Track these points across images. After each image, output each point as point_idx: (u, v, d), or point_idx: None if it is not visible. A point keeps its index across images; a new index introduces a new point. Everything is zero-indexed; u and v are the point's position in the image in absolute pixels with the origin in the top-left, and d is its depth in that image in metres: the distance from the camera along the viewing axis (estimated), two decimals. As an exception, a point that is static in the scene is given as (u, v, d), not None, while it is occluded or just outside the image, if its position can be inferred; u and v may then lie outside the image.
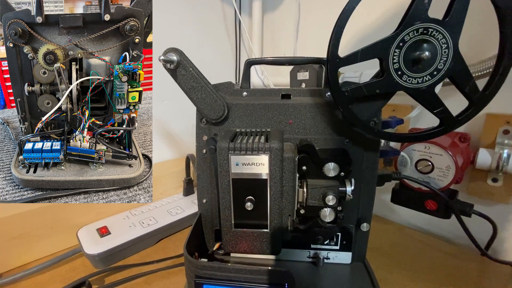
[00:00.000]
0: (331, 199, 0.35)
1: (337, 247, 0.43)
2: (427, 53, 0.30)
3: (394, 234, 0.59)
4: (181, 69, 0.35)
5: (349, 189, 0.36)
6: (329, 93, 0.37)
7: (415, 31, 0.30)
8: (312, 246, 0.43)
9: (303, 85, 0.60)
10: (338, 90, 0.33)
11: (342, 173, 0.36)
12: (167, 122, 0.73)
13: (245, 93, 0.38)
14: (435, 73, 0.31)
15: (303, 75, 0.59)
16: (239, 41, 0.84)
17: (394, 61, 0.31)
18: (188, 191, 0.66)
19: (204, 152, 0.41)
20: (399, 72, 0.31)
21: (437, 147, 0.44)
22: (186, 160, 0.63)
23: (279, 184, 0.34)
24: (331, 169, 0.36)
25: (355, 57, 0.31)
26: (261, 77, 0.83)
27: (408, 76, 0.31)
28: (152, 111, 0.69)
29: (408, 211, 0.50)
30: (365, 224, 0.41)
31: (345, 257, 0.43)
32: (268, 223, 0.36)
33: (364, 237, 0.43)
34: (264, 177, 0.34)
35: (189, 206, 0.61)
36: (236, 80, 0.85)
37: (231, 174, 0.34)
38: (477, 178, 0.50)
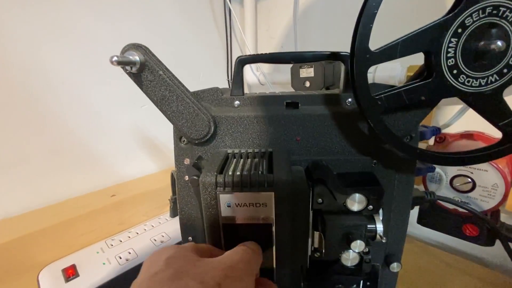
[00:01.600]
0: (358, 245, 0.26)
1: (359, 289, 0.34)
2: (499, 43, 0.20)
3: (417, 255, 0.50)
4: (147, 73, 0.26)
5: (380, 227, 0.27)
6: (350, 100, 0.27)
7: (480, 12, 0.21)
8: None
9: (307, 84, 0.51)
10: (368, 96, 0.23)
11: (370, 207, 0.27)
12: (148, 129, 0.63)
13: (237, 102, 0.29)
14: (505, 71, 0.22)
15: (307, 72, 0.50)
16: (230, 32, 0.73)
17: (449, 55, 0.22)
18: (175, 211, 0.56)
19: (187, 179, 0.31)
20: (455, 71, 0.22)
21: (480, 160, 0.35)
22: (171, 177, 0.54)
23: (288, 229, 0.25)
24: (356, 202, 0.26)
25: (392, 51, 0.22)
26: (256, 73, 0.73)
27: (467, 75, 0.22)
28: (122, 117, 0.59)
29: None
30: (395, 264, 0.32)
31: (369, 301, 0.35)
32: (275, 279, 0.27)
33: (393, 278, 0.34)
34: (267, 221, 0.24)
35: (176, 231, 0.51)
36: (228, 78, 0.75)
37: (221, 219, 0.24)
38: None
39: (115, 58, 0.22)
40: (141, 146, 0.62)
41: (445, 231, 0.40)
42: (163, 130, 0.65)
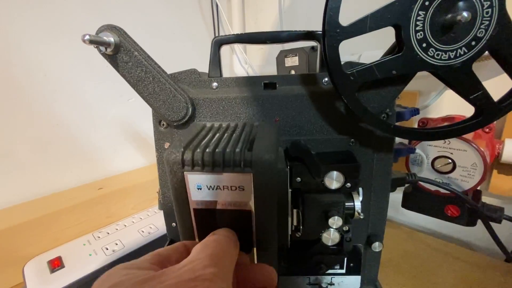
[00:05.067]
0: (336, 220, 0.26)
1: (343, 271, 0.35)
2: (464, 13, 0.21)
3: (403, 240, 0.51)
4: (122, 54, 0.26)
5: (358, 204, 0.27)
6: (327, 79, 0.28)
7: (446, -16, 0.21)
8: (312, 271, 0.34)
9: (292, 73, 0.51)
10: (341, 73, 0.23)
11: (348, 184, 0.27)
12: (135, 123, 0.62)
13: (215, 84, 0.29)
14: (473, 43, 0.22)
15: (292, 61, 0.50)
16: (218, 26, 0.73)
17: (417, 28, 0.22)
18: (164, 203, 0.56)
19: (168, 164, 0.31)
20: (424, 44, 0.22)
21: (459, 141, 0.36)
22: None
23: (270, 215, 0.22)
24: (333, 179, 0.27)
25: (362, 25, 0.22)
26: (244, 66, 0.73)
27: (436, 49, 0.22)
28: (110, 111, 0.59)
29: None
30: (377, 243, 0.32)
31: (353, 282, 0.35)
32: (255, 258, 0.27)
33: (376, 258, 0.34)
34: (245, 208, 0.21)
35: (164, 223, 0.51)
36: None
37: (191, 203, 0.21)
38: (502, 173, 0.42)
39: (87, 37, 0.22)
40: (129, 140, 0.62)
41: (428, 212, 0.40)
42: (150, 124, 0.65)
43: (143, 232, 0.48)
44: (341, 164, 0.26)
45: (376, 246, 0.32)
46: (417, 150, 0.38)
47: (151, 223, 0.51)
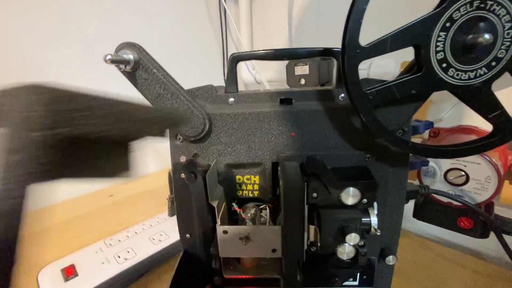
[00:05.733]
0: (353, 237, 0.26)
1: (356, 283, 0.35)
2: (486, 36, 0.21)
3: (413, 249, 0.51)
4: (141, 71, 0.26)
5: (374, 220, 0.27)
6: (343, 95, 0.28)
7: (468, 5, 0.21)
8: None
9: (302, 81, 0.51)
10: (359, 91, 0.23)
11: (365, 200, 0.27)
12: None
13: (231, 99, 0.29)
14: (493, 63, 0.22)
15: (302, 70, 0.50)
16: (225, 31, 0.73)
17: (438, 49, 0.22)
18: (173, 210, 0.56)
19: (183, 177, 0.32)
20: (444, 65, 0.22)
21: (473, 153, 0.35)
22: (169, 175, 0.54)
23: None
24: (350, 195, 0.27)
25: (382, 46, 0.22)
26: (252, 72, 0.73)
27: (456, 69, 0.22)
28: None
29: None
30: (391, 257, 0.33)
31: (366, 294, 0.35)
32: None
33: (389, 270, 0.35)
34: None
35: (175, 230, 0.51)
36: (223, 77, 0.75)
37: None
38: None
39: (108, 57, 0.22)
40: (138, 146, 0.62)
41: (440, 224, 0.40)
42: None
43: (154, 239, 0.49)
44: (359, 180, 0.26)
45: (390, 259, 0.33)
46: (430, 163, 0.38)
47: (162, 230, 0.51)
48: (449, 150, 0.25)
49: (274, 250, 0.27)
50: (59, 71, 0.49)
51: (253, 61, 0.69)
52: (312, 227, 0.27)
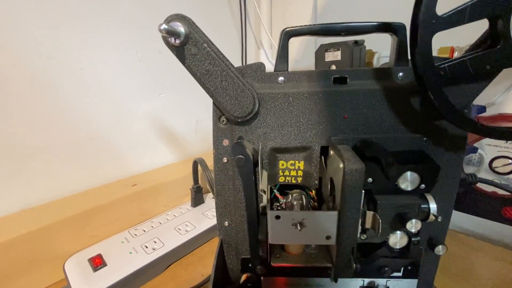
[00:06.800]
0: (414, 224, 0.25)
1: (400, 274, 0.33)
2: None
3: (447, 242, 0.49)
4: (191, 46, 0.24)
5: (433, 206, 0.26)
6: (402, 74, 0.26)
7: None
8: (368, 274, 0.33)
9: (333, 68, 0.49)
10: (431, 66, 0.22)
11: (423, 186, 0.26)
12: (166, 119, 0.61)
13: (281, 78, 0.27)
14: None
15: (334, 55, 0.48)
16: (245, 19, 0.71)
17: (521, 19, 0.20)
18: (197, 201, 0.55)
19: (226, 161, 0.30)
20: (525, 37, 0.21)
21: (523, 140, 0.34)
22: (193, 165, 0.52)
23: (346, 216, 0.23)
24: (408, 180, 0.25)
25: (460, 16, 0.21)
26: (272, 61, 0.71)
27: (538, 42, 0.21)
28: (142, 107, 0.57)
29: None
30: (440, 246, 0.31)
31: (409, 285, 0.34)
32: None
33: (435, 261, 0.33)
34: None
35: (200, 220, 0.50)
36: (243, 64, 0.73)
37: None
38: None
39: (164, 26, 0.21)
40: (159, 136, 0.61)
41: (483, 215, 0.39)
42: (179, 119, 0.64)
43: (180, 229, 0.47)
44: (420, 164, 0.25)
45: (440, 249, 0.31)
46: (479, 150, 0.36)
47: (187, 220, 0.50)
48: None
49: (328, 237, 0.25)
50: (83, 57, 0.48)
51: (272, 49, 0.67)
52: (370, 213, 0.26)
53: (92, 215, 0.45)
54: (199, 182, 0.55)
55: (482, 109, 0.32)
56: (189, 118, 0.65)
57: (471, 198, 0.39)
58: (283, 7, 0.72)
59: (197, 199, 0.55)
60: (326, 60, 0.49)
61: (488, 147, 0.36)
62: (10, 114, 0.42)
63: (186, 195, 0.58)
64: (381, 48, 0.51)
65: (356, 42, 0.46)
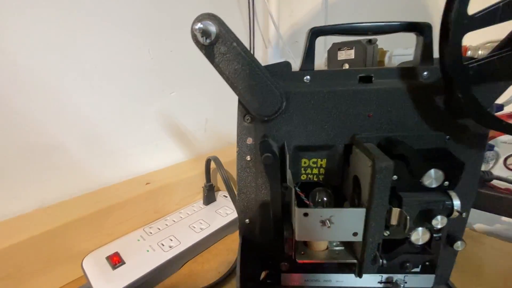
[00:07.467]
0: (440, 220, 0.25)
1: (418, 269, 0.34)
2: None
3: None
4: (220, 45, 0.24)
5: (457, 203, 0.26)
6: (427, 73, 0.27)
7: None
8: (387, 270, 0.34)
9: (346, 66, 0.49)
10: (460, 65, 0.22)
11: (446, 183, 0.26)
12: (177, 117, 0.61)
13: (307, 77, 0.27)
14: None
15: (347, 54, 0.48)
16: (253, 17, 0.71)
17: (551, 19, 0.21)
18: (209, 199, 0.55)
19: (249, 159, 0.30)
20: (555, 37, 0.21)
21: (539, 138, 0.35)
22: (206, 163, 0.53)
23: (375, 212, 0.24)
24: (433, 178, 0.26)
25: (492, 16, 0.21)
26: (279, 60, 0.71)
27: None
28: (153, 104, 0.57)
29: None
30: (459, 242, 0.32)
31: (426, 280, 0.34)
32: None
33: (452, 257, 0.34)
34: None
35: (213, 219, 0.51)
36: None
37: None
38: None
39: (199, 25, 0.21)
40: (170, 134, 0.61)
41: (500, 212, 0.39)
42: (189, 118, 0.64)
43: (194, 227, 0.48)
44: (446, 162, 0.25)
45: (459, 245, 0.32)
46: (495, 147, 0.37)
47: (201, 218, 0.50)
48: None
49: (355, 234, 0.26)
50: (95, 56, 0.47)
51: (287, 47, 0.67)
52: (396, 210, 0.26)
53: (108, 213, 0.45)
54: (211, 180, 0.55)
55: (500, 107, 0.32)
56: (198, 116, 0.65)
57: (485, 196, 0.40)
58: (290, 5, 0.72)
59: (209, 197, 0.55)
60: (338, 58, 0.49)
61: (503, 145, 0.37)
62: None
63: (197, 193, 0.58)
64: (391, 47, 0.51)
65: (370, 41, 0.47)
